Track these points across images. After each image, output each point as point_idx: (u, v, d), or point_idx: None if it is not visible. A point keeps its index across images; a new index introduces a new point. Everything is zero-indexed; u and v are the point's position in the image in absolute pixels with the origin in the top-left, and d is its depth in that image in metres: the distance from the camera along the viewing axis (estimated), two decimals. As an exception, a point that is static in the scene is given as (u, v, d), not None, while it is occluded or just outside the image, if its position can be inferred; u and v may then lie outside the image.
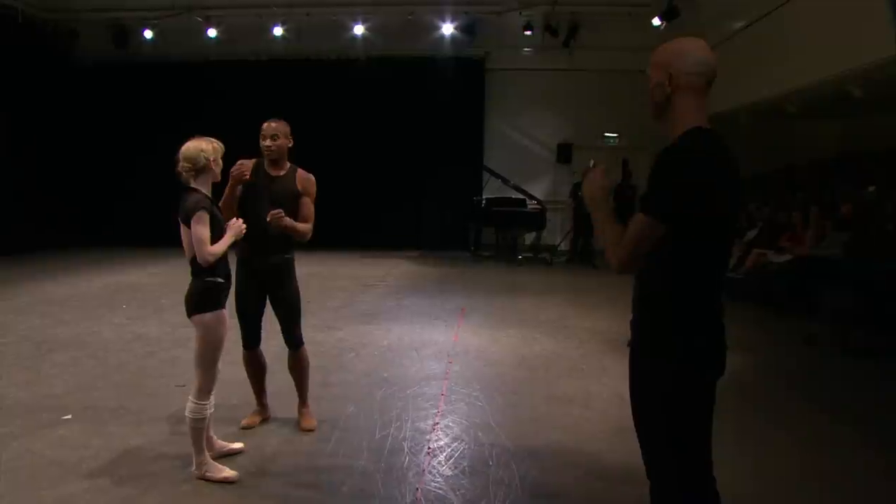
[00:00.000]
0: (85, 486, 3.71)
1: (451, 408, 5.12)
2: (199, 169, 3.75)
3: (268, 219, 4.22)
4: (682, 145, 2.24)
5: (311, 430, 4.62)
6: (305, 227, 4.51)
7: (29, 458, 4.07)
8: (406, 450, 4.34)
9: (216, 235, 3.75)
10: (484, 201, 14.52)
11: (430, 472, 4.02)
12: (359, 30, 15.19)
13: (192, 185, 3.76)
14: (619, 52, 14.90)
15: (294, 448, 4.34)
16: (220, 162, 3.88)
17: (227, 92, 15.70)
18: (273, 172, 4.56)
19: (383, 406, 5.13)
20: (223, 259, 3.83)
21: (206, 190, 3.80)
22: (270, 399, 4.85)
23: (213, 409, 3.98)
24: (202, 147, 3.76)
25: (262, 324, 4.68)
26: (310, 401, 4.87)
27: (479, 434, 4.62)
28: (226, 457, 4.14)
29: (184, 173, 3.75)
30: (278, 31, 15.21)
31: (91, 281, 10.74)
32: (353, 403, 5.17)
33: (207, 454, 3.89)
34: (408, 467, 4.08)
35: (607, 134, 16.27)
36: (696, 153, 2.22)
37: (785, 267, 8.99)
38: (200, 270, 3.75)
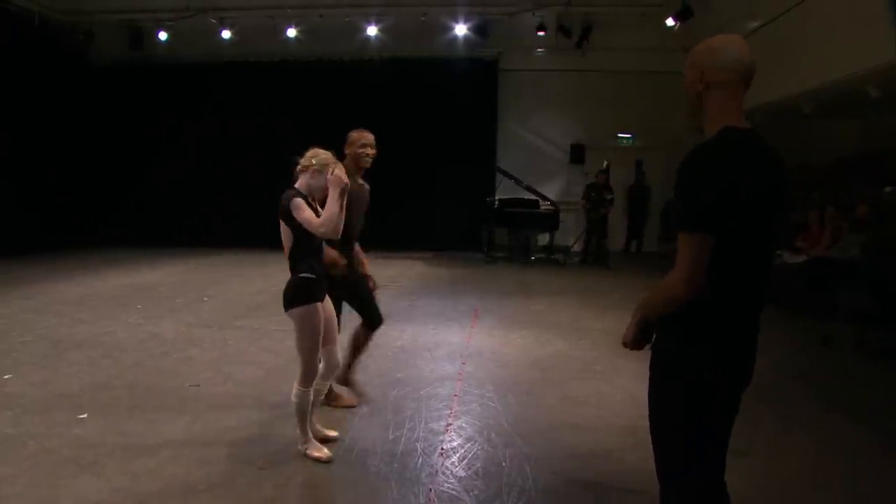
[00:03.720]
0: (101, 485, 3.74)
1: (465, 409, 5.12)
2: (305, 168, 4.05)
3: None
4: (701, 147, 2.22)
5: (353, 405, 5.08)
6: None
7: (45, 456, 4.11)
8: (419, 451, 4.34)
9: (304, 233, 3.94)
10: (497, 202, 14.48)
11: (443, 473, 4.01)
12: (372, 31, 15.21)
13: (297, 183, 4.06)
14: (633, 52, 14.86)
15: (308, 448, 4.35)
16: (325, 183, 3.97)
17: (241, 93, 15.79)
18: (358, 181, 4.79)
19: (396, 407, 5.14)
20: (318, 256, 4.11)
21: (304, 191, 4.04)
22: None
23: (322, 398, 4.45)
24: (316, 152, 4.08)
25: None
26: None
27: (493, 435, 4.61)
28: (322, 442, 4.31)
29: (297, 167, 4.10)
30: (292, 32, 15.25)
31: (106, 281, 10.81)
32: (367, 404, 5.18)
33: (311, 434, 4.22)
34: (421, 468, 4.08)
35: (620, 134, 16.23)
36: (709, 155, 2.19)
37: (801, 267, 8.93)
38: (294, 267, 4.02)
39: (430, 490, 3.79)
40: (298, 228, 3.92)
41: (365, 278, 5.01)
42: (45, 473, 3.86)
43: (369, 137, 4.79)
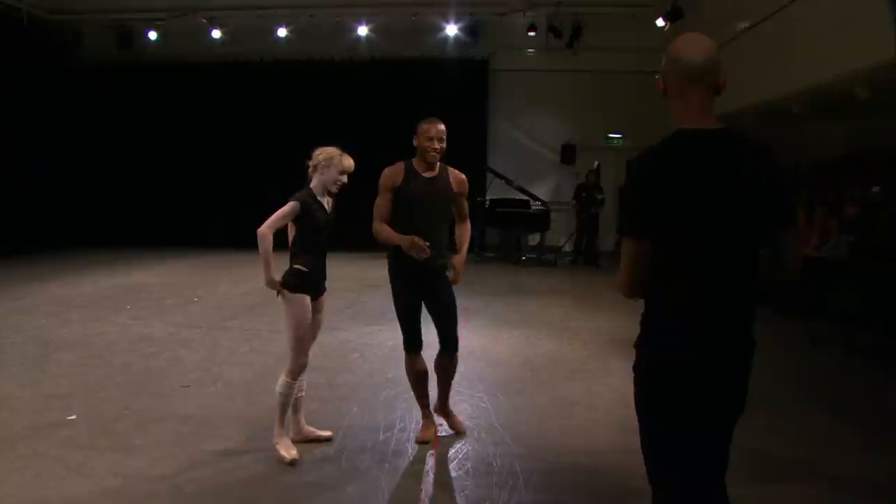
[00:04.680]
0: (90, 487, 3.72)
1: (456, 409, 5.09)
2: (314, 167, 4.23)
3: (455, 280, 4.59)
4: (641, 153, 2.24)
5: (462, 431, 4.65)
6: (465, 242, 4.69)
7: (34, 458, 4.08)
8: (410, 451, 4.35)
9: (307, 230, 4.18)
10: (488, 202, 14.48)
11: (434, 473, 4.01)
12: (362, 31, 15.19)
13: (311, 183, 4.23)
14: (623, 52, 14.88)
15: (298, 449, 4.33)
16: (335, 174, 4.21)
17: (232, 93, 15.74)
18: (427, 174, 4.44)
19: (387, 407, 5.14)
20: (316, 255, 4.24)
21: (317, 190, 4.23)
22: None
23: (303, 394, 4.42)
24: (322, 149, 4.25)
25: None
26: (315, 402, 4.88)
27: (483, 435, 4.62)
28: (312, 442, 4.39)
29: (309, 168, 4.25)
30: (282, 32, 15.22)
31: (96, 282, 10.76)
32: (358, 404, 5.17)
33: (284, 431, 4.23)
34: (412, 468, 4.09)
35: (611, 135, 16.26)
36: (646, 161, 2.21)
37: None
38: (292, 257, 4.21)
39: (422, 490, 3.79)
40: (302, 226, 4.15)
41: (446, 282, 4.57)
42: (33, 475, 3.84)
43: (435, 129, 4.38)
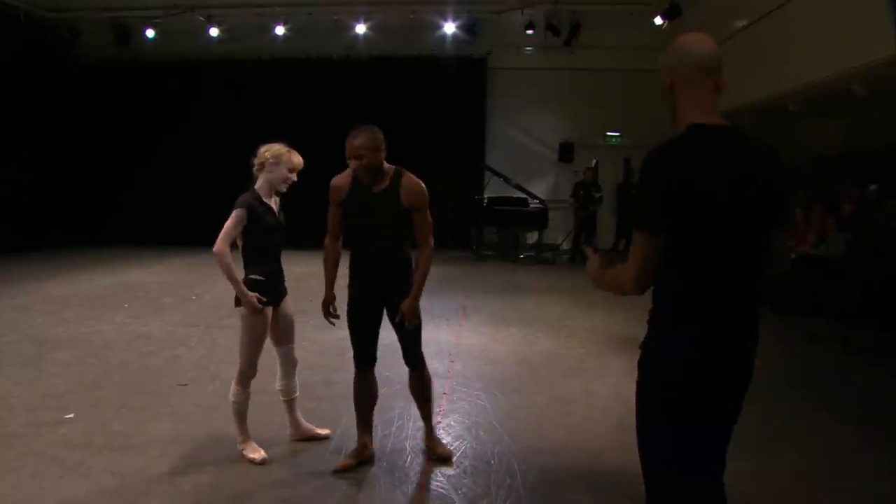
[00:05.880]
0: (87, 486, 3.71)
1: (453, 407, 5.12)
2: (260, 165, 4.07)
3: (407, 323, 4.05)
4: (657, 147, 2.22)
5: (447, 458, 4.14)
6: (421, 276, 4.08)
7: (31, 457, 4.07)
8: (408, 449, 4.34)
9: (258, 235, 4.04)
10: (486, 200, 14.48)
11: (431, 472, 4.01)
12: (360, 29, 15.18)
13: (256, 184, 4.08)
14: (621, 50, 14.89)
15: (296, 448, 4.34)
16: (285, 172, 4.08)
17: (229, 91, 15.72)
18: (375, 188, 3.87)
19: (385, 405, 5.11)
20: (270, 260, 4.14)
21: (263, 191, 4.08)
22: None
23: (297, 394, 4.37)
24: (268, 147, 4.08)
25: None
26: (312, 401, 4.88)
27: (481, 433, 4.61)
28: (310, 440, 4.38)
29: (254, 167, 4.10)
30: (280, 30, 15.21)
31: (92, 280, 10.75)
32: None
33: (247, 434, 4.14)
34: (409, 466, 4.08)
35: (609, 133, 16.26)
36: (663, 155, 2.19)
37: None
38: (245, 266, 4.08)
39: (419, 488, 3.79)
40: (251, 232, 4.01)
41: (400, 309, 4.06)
42: (30, 474, 3.83)
43: (350, 146, 3.76)
